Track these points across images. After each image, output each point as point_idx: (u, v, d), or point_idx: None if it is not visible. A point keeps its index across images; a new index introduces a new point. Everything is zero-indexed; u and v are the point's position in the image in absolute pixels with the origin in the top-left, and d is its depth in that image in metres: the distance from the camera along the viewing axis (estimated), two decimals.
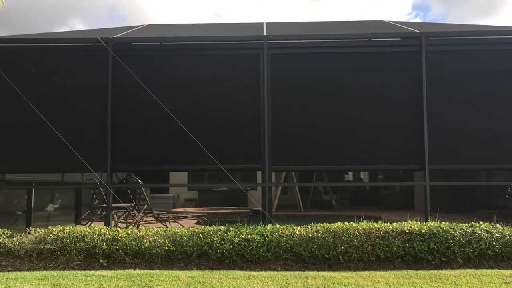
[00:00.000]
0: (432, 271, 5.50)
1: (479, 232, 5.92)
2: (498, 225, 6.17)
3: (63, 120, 7.59)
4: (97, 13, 42.07)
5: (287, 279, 5.12)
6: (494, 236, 5.90)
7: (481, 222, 6.19)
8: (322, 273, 5.42)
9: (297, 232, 5.99)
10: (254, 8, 42.95)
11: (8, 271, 5.63)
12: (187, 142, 7.43)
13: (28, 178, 9.28)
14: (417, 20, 43.96)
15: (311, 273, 5.42)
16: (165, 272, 5.43)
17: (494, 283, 4.95)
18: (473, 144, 7.50)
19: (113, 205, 7.82)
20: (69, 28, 40.90)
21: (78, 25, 42.86)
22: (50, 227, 6.37)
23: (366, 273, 5.42)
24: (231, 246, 5.84)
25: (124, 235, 6.06)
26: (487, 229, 6.01)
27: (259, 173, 8.38)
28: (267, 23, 9.77)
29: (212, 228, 6.18)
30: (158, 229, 6.32)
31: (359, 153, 7.58)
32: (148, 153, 7.70)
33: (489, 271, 5.45)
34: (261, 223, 6.79)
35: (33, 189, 9.32)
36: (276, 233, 5.99)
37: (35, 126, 7.63)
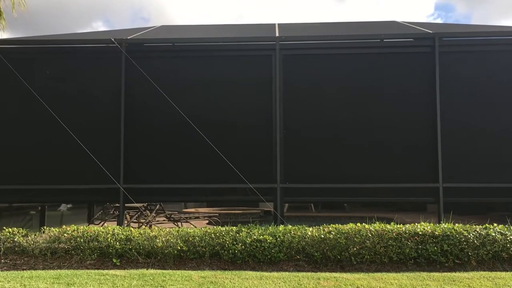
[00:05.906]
0: (445, 273, 5.46)
1: (493, 234, 5.86)
2: None
3: (74, 122, 7.64)
4: (122, 15, 42.45)
5: (299, 280, 5.12)
6: (508, 238, 5.83)
7: (495, 224, 6.13)
8: (334, 274, 5.41)
9: (309, 233, 5.99)
10: (277, 9, 42.92)
11: (23, 269, 5.70)
12: (202, 154, 7.51)
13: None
14: (439, 21, 43.57)
15: (323, 274, 5.41)
16: (178, 272, 5.46)
17: (509, 286, 4.90)
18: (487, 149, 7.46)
19: (125, 205, 7.87)
20: (92, 30, 41.25)
21: (101, 27, 43.28)
22: (64, 226, 6.44)
23: (378, 274, 5.40)
24: (243, 246, 5.86)
25: (137, 235, 6.10)
26: (502, 231, 5.95)
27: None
28: (279, 24, 9.76)
29: (224, 229, 6.20)
30: (171, 229, 6.35)
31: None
32: (153, 170, 7.69)
33: (503, 273, 5.40)
34: (273, 224, 6.79)
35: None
36: (288, 234, 5.99)
37: (39, 132, 7.72)
